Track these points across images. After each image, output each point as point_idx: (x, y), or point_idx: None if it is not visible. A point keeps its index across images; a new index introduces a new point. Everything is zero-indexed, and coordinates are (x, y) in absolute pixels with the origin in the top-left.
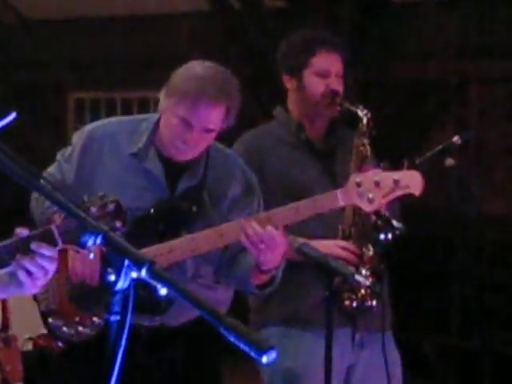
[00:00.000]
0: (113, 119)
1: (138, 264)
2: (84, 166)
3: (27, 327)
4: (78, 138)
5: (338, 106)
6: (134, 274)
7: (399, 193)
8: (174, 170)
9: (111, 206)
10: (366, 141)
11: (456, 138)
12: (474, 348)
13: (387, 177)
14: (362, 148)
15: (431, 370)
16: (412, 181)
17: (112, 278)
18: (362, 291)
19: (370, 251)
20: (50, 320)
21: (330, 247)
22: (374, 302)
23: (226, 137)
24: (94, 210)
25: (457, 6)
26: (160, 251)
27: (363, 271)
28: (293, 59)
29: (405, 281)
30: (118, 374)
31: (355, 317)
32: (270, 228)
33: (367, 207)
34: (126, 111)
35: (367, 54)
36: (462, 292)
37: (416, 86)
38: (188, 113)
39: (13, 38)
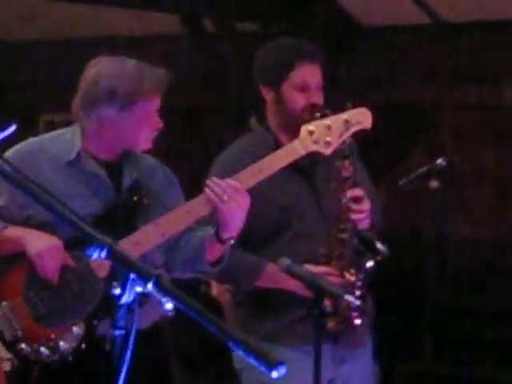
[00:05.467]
0: (33, 138)
1: (144, 278)
2: None
3: None
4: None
5: (318, 119)
6: (139, 288)
7: (353, 130)
8: (112, 171)
9: None
10: (346, 162)
11: (440, 160)
12: (447, 373)
13: (337, 119)
14: (343, 170)
15: None
16: (362, 117)
17: (117, 291)
18: (345, 311)
19: (353, 276)
20: (22, 346)
21: None
22: (359, 321)
23: None
24: None
25: (431, 31)
26: (125, 246)
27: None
28: (271, 72)
29: (378, 305)
30: None
31: (337, 334)
32: (228, 180)
33: (326, 150)
34: None
35: (340, 78)
36: (434, 318)
37: (390, 110)
38: (159, 102)
39: None
